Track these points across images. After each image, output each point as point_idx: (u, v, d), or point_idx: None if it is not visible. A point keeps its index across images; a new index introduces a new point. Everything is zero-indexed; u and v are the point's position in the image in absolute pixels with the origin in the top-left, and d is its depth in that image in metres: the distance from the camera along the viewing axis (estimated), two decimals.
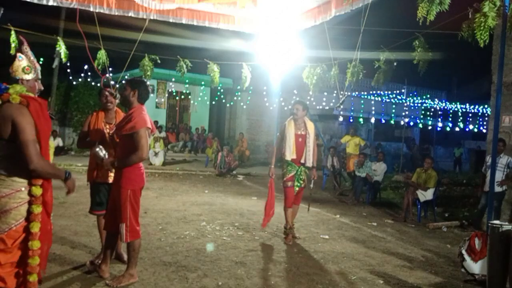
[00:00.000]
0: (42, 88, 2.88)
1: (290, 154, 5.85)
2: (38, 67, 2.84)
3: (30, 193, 2.62)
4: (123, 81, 4.27)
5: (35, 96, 2.73)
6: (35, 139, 2.56)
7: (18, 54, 2.74)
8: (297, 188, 5.89)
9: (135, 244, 3.88)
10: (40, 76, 2.86)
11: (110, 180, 4.25)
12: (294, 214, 6.09)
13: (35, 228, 2.60)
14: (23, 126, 2.52)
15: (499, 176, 7.48)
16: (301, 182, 5.89)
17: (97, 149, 3.95)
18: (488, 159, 7.71)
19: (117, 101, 4.49)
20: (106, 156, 3.96)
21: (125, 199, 3.79)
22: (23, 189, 2.60)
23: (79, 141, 4.64)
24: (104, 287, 3.82)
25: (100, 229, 4.42)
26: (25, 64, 2.72)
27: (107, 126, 4.40)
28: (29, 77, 2.73)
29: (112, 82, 9.83)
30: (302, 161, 5.88)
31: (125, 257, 4.35)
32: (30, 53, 2.80)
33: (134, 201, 3.84)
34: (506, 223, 4.30)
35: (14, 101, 2.56)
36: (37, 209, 2.63)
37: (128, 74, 15.98)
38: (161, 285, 3.98)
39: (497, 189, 7.45)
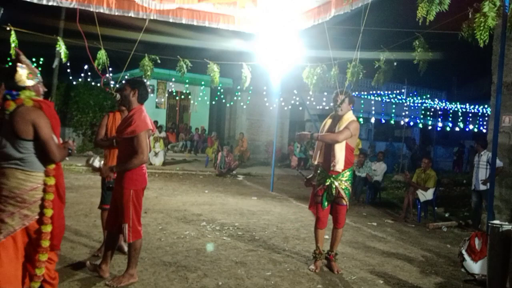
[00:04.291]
0: (45, 89, 3.20)
1: (316, 157, 4.77)
2: (38, 72, 3.13)
3: (44, 183, 3.02)
4: (123, 81, 4.28)
5: (42, 99, 3.09)
6: (53, 136, 3.00)
7: (18, 64, 3.02)
8: (326, 204, 4.66)
9: (136, 244, 3.88)
10: (41, 79, 3.14)
11: None
12: (336, 240, 4.80)
13: (48, 213, 3.00)
14: (43, 127, 2.94)
15: (482, 173, 7.58)
16: (332, 197, 4.63)
17: (91, 160, 3.96)
18: (476, 157, 7.87)
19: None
20: (100, 165, 3.96)
21: (127, 199, 3.79)
22: (39, 184, 3.00)
23: (96, 141, 4.69)
24: (104, 287, 3.82)
25: (104, 223, 4.52)
26: (27, 72, 3.03)
27: None
28: (33, 82, 3.06)
29: (112, 82, 9.84)
30: (329, 165, 4.59)
31: (126, 248, 4.42)
32: (27, 61, 3.08)
33: (136, 202, 3.85)
34: (506, 223, 4.30)
35: (28, 104, 2.95)
36: (50, 196, 3.02)
37: (128, 74, 15.97)
38: (161, 285, 3.98)
39: (482, 187, 7.53)
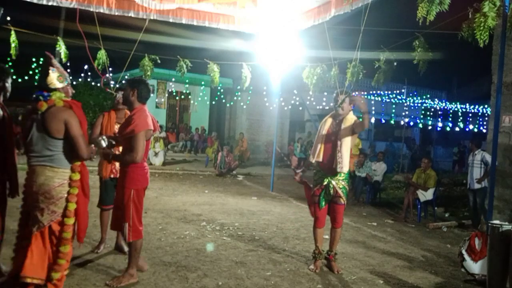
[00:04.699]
0: (74, 91, 3.47)
1: (314, 155, 4.67)
2: (67, 74, 3.40)
3: (69, 178, 3.25)
4: (123, 81, 4.31)
5: (71, 99, 3.34)
6: (82, 133, 3.23)
7: (50, 68, 3.26)
8: (323, 203, 4.66)
9: (137, 244, 3.88)
10: (70, 82, 3.42)
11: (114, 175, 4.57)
12: (335, 240, 4.78)
13: (71, 207, 3.24)
14: (73, 125, 3.18)
15: (477, 172, 7.64)
16: (329, 197, 4.63)
17: (100, 138, 3.93)
18: (470, 157, 7.92)
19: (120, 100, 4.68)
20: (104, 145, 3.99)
21: (128, 198, 3.80)
22: (65, 181, 3.23)
23: (90, 139, 4.74)
24: (104, 287, 3.82)
25: (103, 222, 4.77)
26: (57, 75, 3.28)
27: (118, 126, 4.55)
28: (63, 84, 3.31)
29: (112, 82, 9.83)
30: (334, 166, 4.53)
31: (126, 248, 4.54)
32: (58, 64, 3.34)
33: (137, 201, 3.86)
34: (506, 223, 4.30)
35: (59, 105, 3.18)
36: (74, 191, 3.27)
37: (128, 74, 15.95)
38: (161, 285, 3.97)
39: (477, 186, 7.59)
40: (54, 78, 3.25)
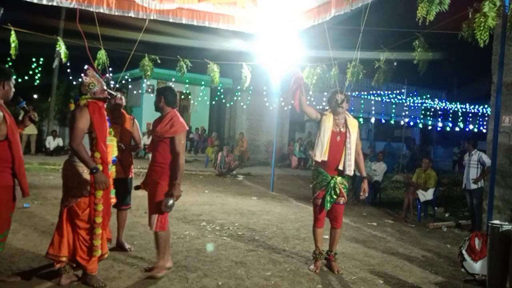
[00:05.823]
0: (109, 96, 3.94)
1: (321, 154, 4.56)
2: (101, 81, 3.88)
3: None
4: (123, 81, 4.42)
5: (98, 101, 3.81)
6: (83, 128, 3.62)
7: (84, 77, 3.84)
8: (328, 205, 4.60)
9: (162, 235, 4.08)
10: (105, 87, 3.89)
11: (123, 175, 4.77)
12: (335, 240, 4.79)
13: (99, 195, 3.67)
14: (77, 118, 3.61)
15: (473, 173, 7.62)
16: (335, 197, 4.60)
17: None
18: (466, 157, 7.97)
19: (124, 101, 4.93)
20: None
21: (162, 192, 4.03)
22: (85, 171, 3.65)
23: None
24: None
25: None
26: (89, 82, 3.80)
27: (115, 126, 4.67)
28: (95, 89, 3.80)
29: (112, 82, 9.82)
30: (340, 167, 4.57)
31: (126, 246, 4.87)
32: (92, 73, 3.87)
33: None
34: (506, 223, 4.30)
35: (81, 104, 3.75)
36: None
37: (128, 74, 15.95)
38: (161, 285, 3.98)
39: (473, 186, 7.58)
40: (86, 84, 3.80)
